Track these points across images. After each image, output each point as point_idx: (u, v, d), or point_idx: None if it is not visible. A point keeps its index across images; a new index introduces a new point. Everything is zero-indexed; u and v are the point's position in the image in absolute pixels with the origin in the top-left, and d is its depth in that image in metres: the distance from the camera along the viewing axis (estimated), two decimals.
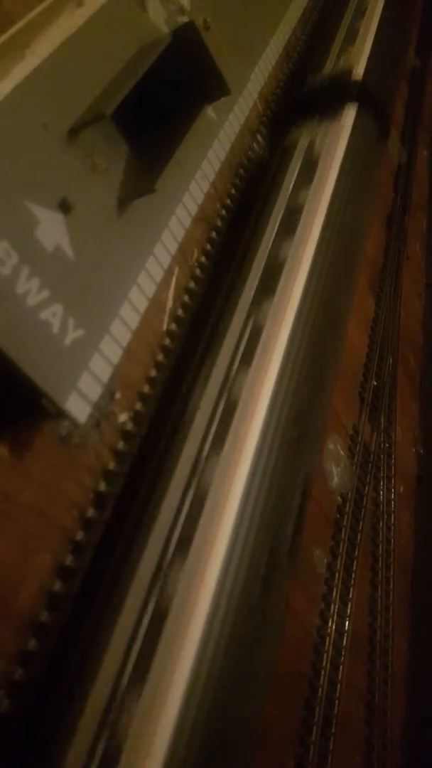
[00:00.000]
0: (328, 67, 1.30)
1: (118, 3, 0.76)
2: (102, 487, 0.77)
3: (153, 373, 0.90)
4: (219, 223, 1.07)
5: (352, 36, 1.34)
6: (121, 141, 0.78)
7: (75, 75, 0.67)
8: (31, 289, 0.57)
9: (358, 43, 1.30)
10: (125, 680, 0.54)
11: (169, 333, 0.96)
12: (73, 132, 0.65)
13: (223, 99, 0.84)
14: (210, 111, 0.92)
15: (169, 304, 0.96)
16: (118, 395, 0.83)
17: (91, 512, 0.73)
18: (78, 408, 0.62)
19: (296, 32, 1.60)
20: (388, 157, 2.31)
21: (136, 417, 0.85)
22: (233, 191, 1.10)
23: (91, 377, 0.63)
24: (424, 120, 2.89)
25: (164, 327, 0.98)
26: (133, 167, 0.77)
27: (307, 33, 1.76)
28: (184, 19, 0.91)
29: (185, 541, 0.65)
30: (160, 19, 0.85)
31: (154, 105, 0.82)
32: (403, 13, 1.82)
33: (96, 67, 0.70)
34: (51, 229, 0.62)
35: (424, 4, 3.43)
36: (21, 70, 0.59)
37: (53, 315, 0.60)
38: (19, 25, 0.62)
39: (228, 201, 1.09)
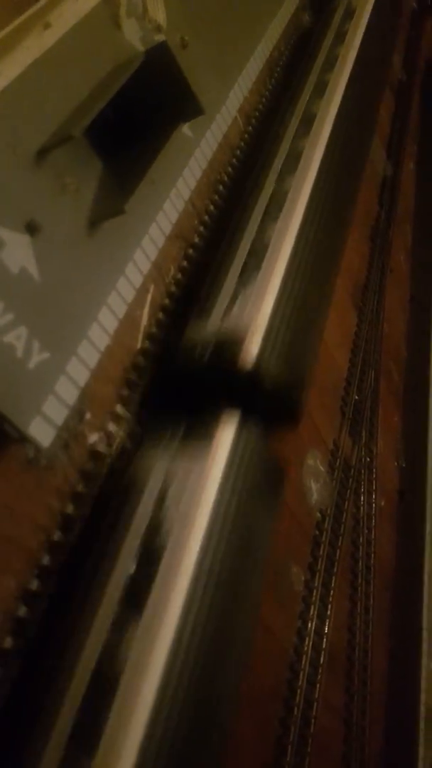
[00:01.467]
0: None
1: (91, 22, 0.75)
2: (70, 509, 0.76)
3: (125, 392, 0.89)
4: (196, 239, 1.07)
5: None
6: (95, 158, 0.78)
7: (45, 95, 0.67)
8: None
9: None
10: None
11: (143, 351, 0.95)
12: (42, 153, 0.65)
13: (200, 116, 0.84)
14: (186, 129, 0.91)
15: (144, 321, 0.95)
16: (88, 416, 0.83)
17: (57, 535, 0.72)
18: (42, 432, 0.61)
19: (279, 46, 1.60)
20: (373, 170, 2.33)
21: (107, 437, 0.84)
22: (212, 207, 1.10)
23: (56, 400, 0.62)
24: (411, 133, 2.91)
25: (138, 345, 0.97)
26: (106, 186, 0.77)
27: (290, 47, 1.77)
28: (161, 37, 0.91)
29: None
30: (135, 38, 0.85)
31: (129, 123, 0.81)
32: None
33: (67, 86, 0.70)
34: (16, 252, 0.61)
35: (412, 16, 3.45)
36: None
37: (17, 338, 0.59)
38: None
39: (206, 217, 1.09)
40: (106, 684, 0.55)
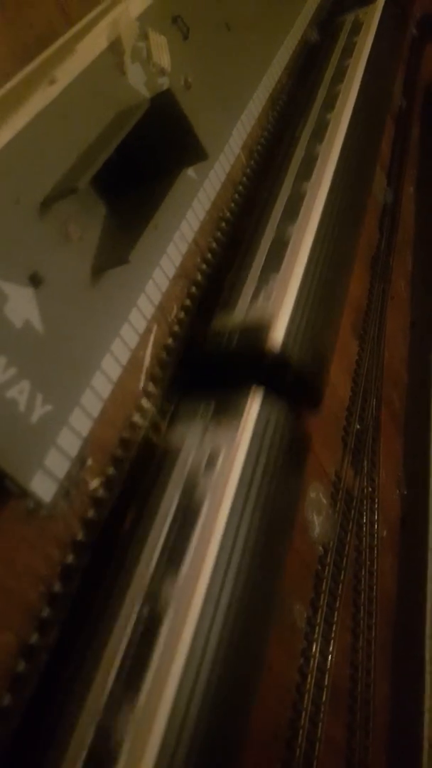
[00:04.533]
0: None
1: (96, 70, 0.76)
2: (70, 559, 0.75)
3: (127, 434, 0.89)
4: (199, 277, 1.07)
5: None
6: (100, 204, 0.78)
7: (48, 147, 0.67)
8: None
9: None
10: None
11: (146, 392, 0.95)
12: (46, 204, 0.64)
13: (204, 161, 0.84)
14: (190, 171, 0.92)
15: (147, 363, 0.95)
16: (89, 462, 0.82)
17: (57, 587, 0.71)
18: (44, 487, 0.61)
19: (282, 79, 1.62)
20: (372, 199, 2.33)
21: (107, 482, 0.83)
22: (214, 245, 1.10)
23: (58, 453, 0.62)
24: (411, 158, 2.93)
25: (140, 386, 0.97)
26: (111, 232, 0.77)
27: (294, 78, 1.78)
28: (165, 80, 0.91)
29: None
30: (139, 83, 0.85)
31: (134, 168, 0.81)
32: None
33: (71, 136, 0.70)
34: (20, 305, 0.61)
35: (412, 42, 3.49)
36: None
37: (20, 392, 0.58)
38: None
39: (209, 255, 1.09)
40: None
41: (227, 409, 0.76)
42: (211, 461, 0.71)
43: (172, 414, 0.91)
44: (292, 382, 0.77)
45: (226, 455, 0.69)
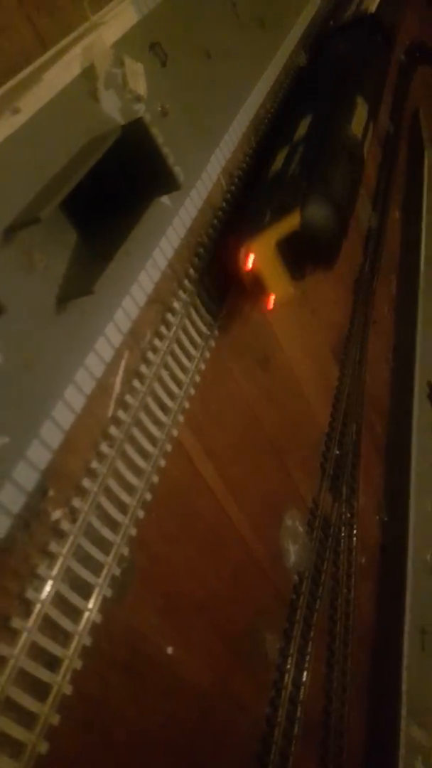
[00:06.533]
0: None
1: (67, 97, 0.75)
2: (29, 593, 0.73)
3: (94, 464, 0.87)
4: (175, 304, 1.06)
5: None
6: (71, 232, 0.77)
7: (15, 175, 0.66)
8: None
9: None
10: None
11: (115, 419, 0.93)
12: (10, 232, 0.63)
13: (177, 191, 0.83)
14: (164, 198, 0.91)
15: (117, 389, 0.94)
16: (51, 492, 0.80)
17: (17, 622, 0.70)
18: None
19: (265, 105, 1.62)
20: (357, 222, 2.34)
21: (71, 513, 0.82)
22: (191, 271, 1.09)
23: (13, 487, 0.60)
24: (397, 183, 2.95)
25: (109, 413, 0.95)
26: (80, 260, 0.75)
27: (276, 106, 1.79)
28: (141, 107, 0.91)
29: None
30: (114, 109, 0.85)
31: (108, 195, 0.80)
32: None
33: (40, 163, 0.69)
34: None
35: (400, 67, 3.54)
36: None
37: None
38: None
39: (186, 281, 1.08)
40: None
41: None
42: None
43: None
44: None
45: None
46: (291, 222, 1.35)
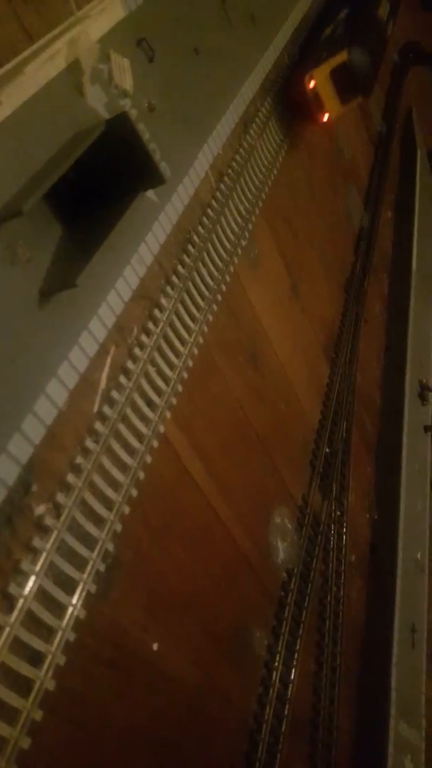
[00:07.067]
0: None
1: (52, 92, 0.75)
2: (12, 588, 0.73)
3: (79, 459, 0.87)
4: (162, 300, 1.06)
5: None
6: (56, 226, 0.76)
7: None
8: None
9: None
10: None
11: (101, 415, 0.93)
12: None
13: (162, 185, 0.83)
14: (151, 193, 0.91)
15: (102, 385, 0.94)
16: (34, 487, 0.80)
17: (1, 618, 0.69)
18: None
19: (255, 103, 1.62)
20: (349, 221, 2.34)
21: (56, 509, 0.81)
22: (180, 267, 1.09)
23: None
24: (389, 183, 2.95)
25: (95, 409, 0.95)
26: (65, 255, 0.75)
27: (268, 103, 1.79)
28: (127, 102, 0.91)
29: None
30: (99, 104, 0.85)
31: (92, 188, 0.80)
32: None
33: (23, 157, 0.69)
34: None
35: (393, 68, 3.54)
36: None
37: None
38: None
39: (174, 278, 1.08)
40: None
41: None
42: None
43: None
44: None
45: None
46: (341, 57, 2.22)
